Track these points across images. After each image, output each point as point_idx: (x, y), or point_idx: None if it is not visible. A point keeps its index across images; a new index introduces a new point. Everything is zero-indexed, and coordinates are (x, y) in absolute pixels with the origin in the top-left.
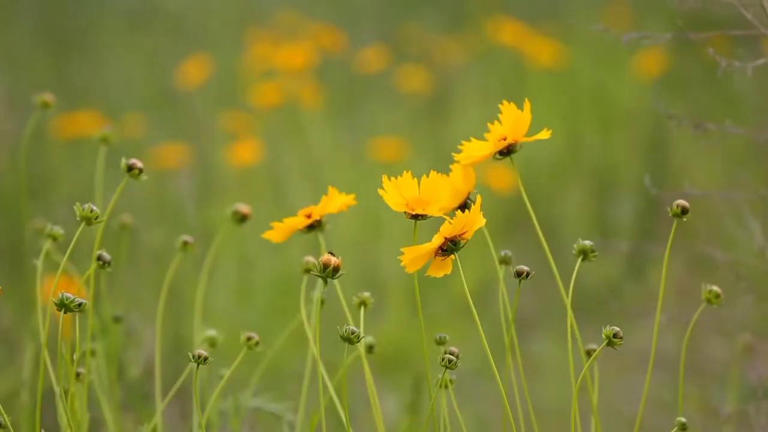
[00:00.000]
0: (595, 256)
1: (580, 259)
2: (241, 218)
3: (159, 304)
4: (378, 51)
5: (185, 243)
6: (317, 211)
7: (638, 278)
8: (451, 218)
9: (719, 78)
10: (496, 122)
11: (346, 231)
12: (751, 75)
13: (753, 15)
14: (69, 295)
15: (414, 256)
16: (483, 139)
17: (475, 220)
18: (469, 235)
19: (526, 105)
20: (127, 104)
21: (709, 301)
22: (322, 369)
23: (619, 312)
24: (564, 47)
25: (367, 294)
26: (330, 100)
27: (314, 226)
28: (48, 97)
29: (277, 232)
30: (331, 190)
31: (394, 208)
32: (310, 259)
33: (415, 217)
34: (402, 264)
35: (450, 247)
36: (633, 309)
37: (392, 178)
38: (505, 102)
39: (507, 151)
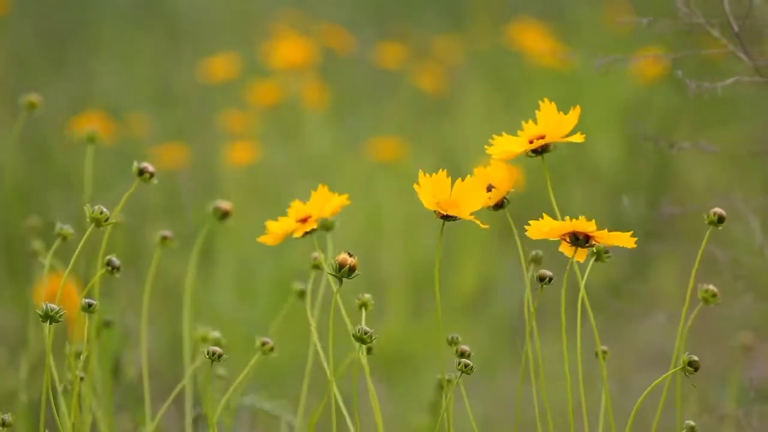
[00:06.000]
0: (608, 257)
1: (593, 260)
2: (222, 215)
3: (156, 304)
4: (379, 50)
5: (164, 238)
6: (314, 216)
7: (641, 278)
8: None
9: (718, 75)
10: (531, 120)
11: (346, 230)
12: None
13: (720, 33)
14: (54, 306)
15: (538, 227)
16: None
17: (610, 236)
18: (603, 242)
19: (577, 110)
20: (128, 104)
21: (705, 300)
22: (325, 364)
23: (622, 311)
24: (566, 46)
25: (368, 296)
26: (332, 100)
27: (310, 233)
28: (34, 97)
29: (272, 236)
30: (326, 192)
31: (426, 206)
32: (317, 255)
33: (445, 217)
34: (526, 229)
35: (573, 240)
36: (635, 308)
37: (428, 175)
38: (546, 100)
39: (541, 150)
